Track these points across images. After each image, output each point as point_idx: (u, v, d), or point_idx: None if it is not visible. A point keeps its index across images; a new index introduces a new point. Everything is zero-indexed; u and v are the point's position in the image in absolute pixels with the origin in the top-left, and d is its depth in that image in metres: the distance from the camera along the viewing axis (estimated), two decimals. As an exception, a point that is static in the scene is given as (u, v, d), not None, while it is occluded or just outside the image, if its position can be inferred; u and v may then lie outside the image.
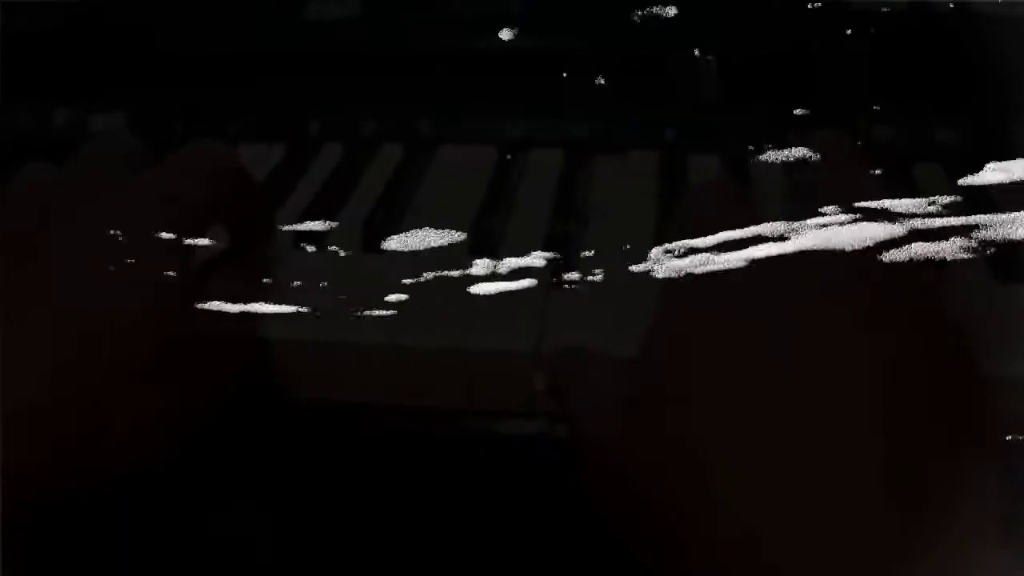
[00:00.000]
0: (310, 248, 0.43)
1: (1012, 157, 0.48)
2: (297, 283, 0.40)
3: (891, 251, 0.31)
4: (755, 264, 0.31)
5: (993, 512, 0.27)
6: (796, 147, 0.46)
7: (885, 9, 0.49)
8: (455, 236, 0.43)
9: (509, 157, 0.49)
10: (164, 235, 0.34)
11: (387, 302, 0.39)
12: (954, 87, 0.49)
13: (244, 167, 0.39)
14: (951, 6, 0.49)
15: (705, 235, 0.33)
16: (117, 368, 0.32)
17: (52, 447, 0.31)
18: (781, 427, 0.28)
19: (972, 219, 0.44)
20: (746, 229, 0.32)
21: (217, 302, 0.36)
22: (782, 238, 0.32)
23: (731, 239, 0.32)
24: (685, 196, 0.37)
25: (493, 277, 0.41)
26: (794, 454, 0.27)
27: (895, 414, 0.27)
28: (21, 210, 0.35)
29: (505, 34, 0.50)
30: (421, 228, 0.45)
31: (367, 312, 0.38)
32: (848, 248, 0.31)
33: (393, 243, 0.43)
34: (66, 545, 0.39)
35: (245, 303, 0.38)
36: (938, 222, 0.40)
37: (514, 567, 0.46)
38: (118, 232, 0.34)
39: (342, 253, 0.43)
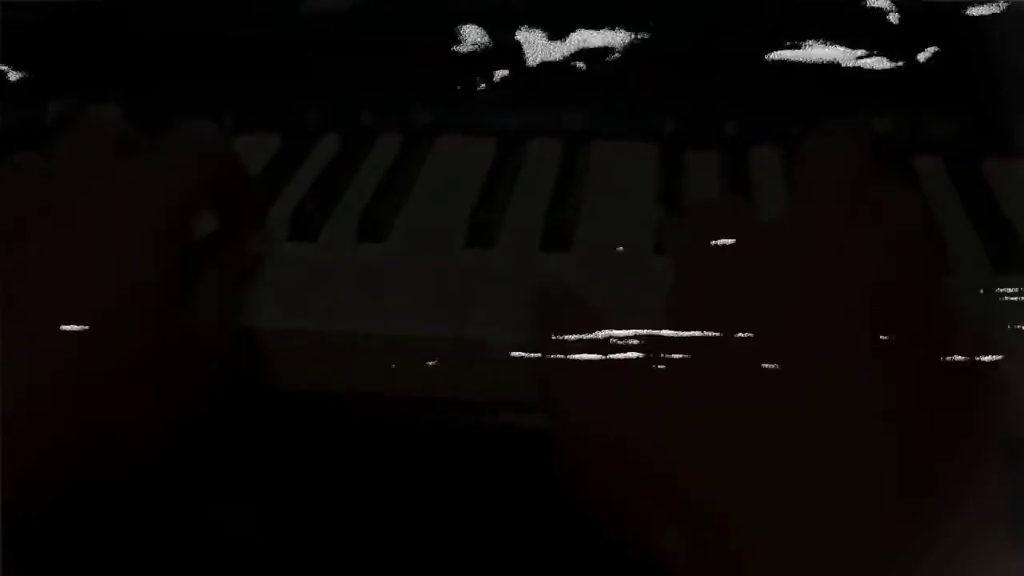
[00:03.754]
0: (306, 239, 0.43)
1: (1012, 151, 0.48)
2: (292, 274, 0.40)
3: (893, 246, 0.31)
4: (756, 265, 0.31)
5: (998, 509, 0.27)
6: (795, 139, 0.46)
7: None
8: (452, 226, 0.43)
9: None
10: (153, 222, 0.34)
11: (383, 292, 0.39)
12: (954, 81, 0.49)
13: (232, 151, 0.39)
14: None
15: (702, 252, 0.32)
16: (107, 362, 0.32)
17: (42, 444, 0.31)
18: (784, 425, 0.27)
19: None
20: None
21: (208, 293, 0.36)
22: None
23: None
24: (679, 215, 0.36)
25: (490, 268, 0.40)
26: (793, 452, 0.27)
27: (898, 410, 0.27)
28: (6, 201, 0.35)
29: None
30: (418, 218, 0.44)
31: (362, 303, 0.38)
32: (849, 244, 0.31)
33: (390, 233, 0.43)
34: (64, 544, 0.39)
35: (237, 293, 0.38)
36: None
37: (510, 559, 0.46)
38: (105, 221, 0.33)
39: (338, 244, 0.43)
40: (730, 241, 0.32)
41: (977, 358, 0.30)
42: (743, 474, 0.27)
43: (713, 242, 0.33)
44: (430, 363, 0.37)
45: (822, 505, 0.26)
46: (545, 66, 0.51)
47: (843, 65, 0.49)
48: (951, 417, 0.28)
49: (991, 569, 0.26)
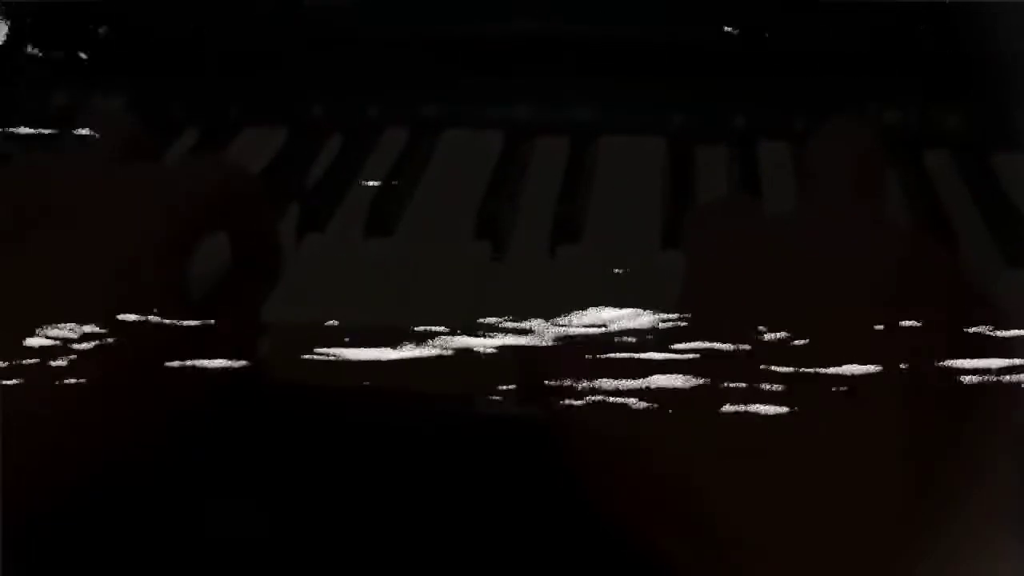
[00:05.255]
0: (314, 232, 0.43)
1: (1018, 144, 0.48)
2: (299, 267, 0.40)
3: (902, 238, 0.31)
4: (767, 262, 0.31)
5: (1009, 507, 0.27)
6: (804, 133, 0.46)
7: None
8: (461, 220, 0.43)
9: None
10: (159, 225, 0.34)
11: (390, 286, 0.39)
12: (961, 73, 0.49)
13: (257, 186, 0.39)
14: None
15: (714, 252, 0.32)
16: (108, 360, 0.32)
17: (50, 444, 0.31)
18: (790, 424, 0.27)
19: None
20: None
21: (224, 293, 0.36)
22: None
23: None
24: (690, 214, 0.36)
25: (497, 262, 0.40)
26: (798, 451, 0.27)
27: (906, 407, 0.27)
28: (15, 199, 0.34)
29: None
30: (426, 212, 0.44)
31: (369, 296, 0.38)
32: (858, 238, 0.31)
33: (398, 227, 0.43)
34: (65, 544, 0.39)
35: (255, 292, 0.38)
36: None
37: (514, 556, 0.46)
38: (110, 222, 0.33)
39: (346, 237, 0.43)
40: (741, 239, 0.32)
41: (987, 353, 0.30)
42: (746, 475, 0.27)
43: (724, 240, 0.33)
44: (438, 356, 0.37)
45: (828, 504, 0.26)
46: (553, 59, 0.51)
47: (851, 58, 0.49)
48: (960, 415, 0.28)
49: (994, 570, 0.26)
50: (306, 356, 0.38)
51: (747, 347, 0.29)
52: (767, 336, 0.29)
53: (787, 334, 0.29)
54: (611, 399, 0.31)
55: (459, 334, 0.37)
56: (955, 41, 0.49)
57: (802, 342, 0.28)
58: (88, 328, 0.31)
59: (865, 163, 0.34)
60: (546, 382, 0.33)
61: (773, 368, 0.28)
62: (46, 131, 0.49)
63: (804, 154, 0.35)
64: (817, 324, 0.29)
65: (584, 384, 0.33)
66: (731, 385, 0.28)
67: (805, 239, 0.31)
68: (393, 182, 0.46)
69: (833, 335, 0.28)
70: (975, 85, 0.48)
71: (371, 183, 0.46)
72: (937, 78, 0.49)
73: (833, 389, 0.27)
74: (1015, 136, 0.48)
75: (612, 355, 0.34)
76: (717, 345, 0.29)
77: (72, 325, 0.31)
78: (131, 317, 0.32)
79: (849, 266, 0.30)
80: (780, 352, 0.28)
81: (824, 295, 0.29)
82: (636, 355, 0.32)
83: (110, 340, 0.31)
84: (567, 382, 0.34)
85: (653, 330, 0.32)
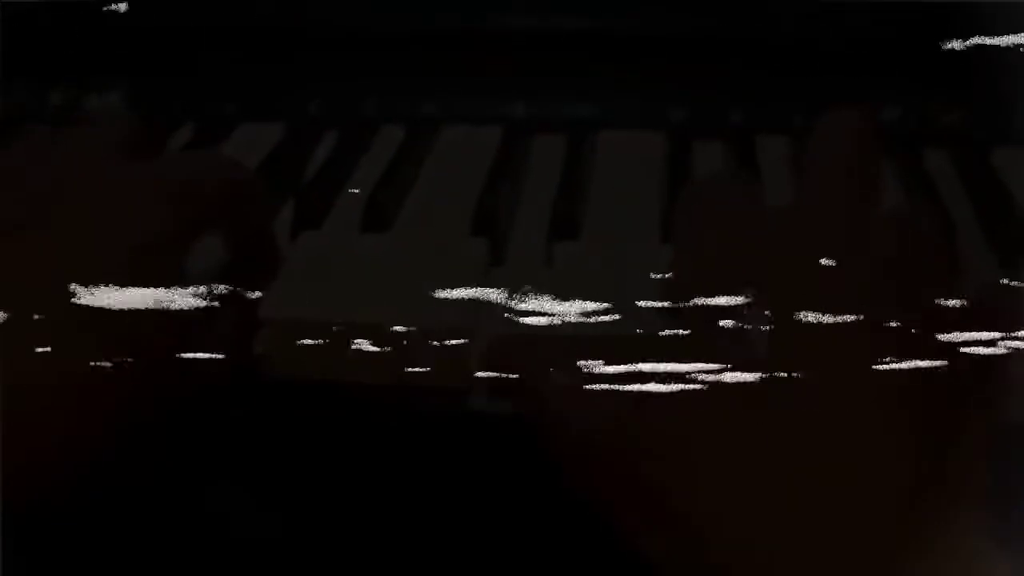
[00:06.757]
0: (309, 229, 0.43)
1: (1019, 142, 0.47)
2: (294, 263, 0.40)
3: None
4: (759, 243, 0.31)
5: (988, 507, 0.27)
6: (802, 129, 0.46)
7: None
8: (458, 216, 0.43)
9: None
10: (158, 222, 0.34)
11: (386, 282, 0.39)
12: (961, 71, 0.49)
13: (254, 182, 0.39)
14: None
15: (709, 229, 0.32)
16: (109, 354, 0.32)
17: (46, 440, 0.31)
18: (774, 422, 0.27)
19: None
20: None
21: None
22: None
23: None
24: (686, 190, 0.36)
25: (495, 259, 0.40)
26: (785, 450, 0.27)
27: (899, 404, 0.27)
28: (14, 195, 0.34)
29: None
30: (423, 208, 0.44)
31: (365, 292, 0.38)
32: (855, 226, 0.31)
33: (395, 224, 0.43)
34: (64, 541, 0.39)
35: (242, 285, 0.38)
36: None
37: (518, 552, 0.46)
38: (108, 217, 0.33)
39: (342, 233, 0.42)
40: (734, 216, 0.32)
41: (979, 350, 0.30)
42: (741, 470, 0.27)
43: (717, 216, 0.32)
44: (434, 353, 0.37)
45: (824, 497, 0.26)
46: (550, 54, 0.51)
47: (850, 54, 0.49)
48: (952, 411, 0.28)
49: (979, 569, 0.26)
50: (302, 353, 0.38)
51: (742, 338, 0.29)
52: (763, 327, 0.29)
53: (779, 323, 0.29)
54: (607, 395, 0.31)
55: (456, 330, 0.36)
56: (954, 38, 0.49)
57: (794, 332, 0.28)
58: (85, 323, 0.31)
59: (865, 147, 0.34)
60: (543, 378, 0.33)
61: (768, 364, 0.28)
62: (45, 128, 0.48)
63: (806, 139, 0.35)
64: (810, 313, 0.29)
65: (581, 380, 0.33)
66: (727, 382, 0.28)
67: (799, 223, 0.31)
68: (390, 179, 0.46)
69: (825, 325, 0.28)
70: (974, 82, 0.48)
71: (367, 180, 0.46)
72: (936, 75, 0.49)
73: (826, 384, 0.27)
74: (1014, 133, 0.48)
75: (610, 351, 0.34)
76: (714, 333, 0.29)
77: (69, 319, 0.31)
78: (127, 312, 0.32)
79: (846, 252, 0.30)
80: (773, 346, 0.28)
81: (819, 281, 0.29)
82: (634, 352, 0.32)
83: (106, 335, 0.31)
84: (564, 378, 0.34)
85: (650, 325, 0.32)
